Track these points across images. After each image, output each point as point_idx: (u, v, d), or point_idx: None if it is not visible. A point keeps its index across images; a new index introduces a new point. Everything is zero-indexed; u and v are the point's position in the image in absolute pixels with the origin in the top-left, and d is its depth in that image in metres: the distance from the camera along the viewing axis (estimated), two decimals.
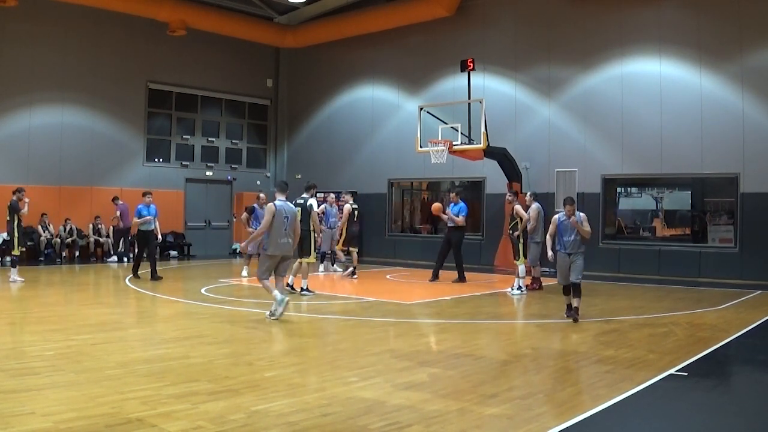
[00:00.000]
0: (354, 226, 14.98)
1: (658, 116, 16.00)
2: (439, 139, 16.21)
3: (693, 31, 15.64)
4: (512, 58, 18.38)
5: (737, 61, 15.08)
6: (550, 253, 9.85)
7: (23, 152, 18.43)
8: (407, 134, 19.02)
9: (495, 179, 17.80)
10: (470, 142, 16.13)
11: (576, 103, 17.30)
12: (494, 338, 8.41)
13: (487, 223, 18.69)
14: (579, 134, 17.20)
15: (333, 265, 16.58)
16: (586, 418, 4.84)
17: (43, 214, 18.14)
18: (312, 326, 9.30)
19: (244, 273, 14.91)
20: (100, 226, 18.75)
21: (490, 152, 16.35)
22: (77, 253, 18.49)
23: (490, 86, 18.40)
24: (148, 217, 13.58)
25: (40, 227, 18.17)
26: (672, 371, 6.28)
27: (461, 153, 16.45)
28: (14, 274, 13.29)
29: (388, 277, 15.79)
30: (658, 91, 16.02)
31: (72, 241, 18.55)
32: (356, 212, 15.06)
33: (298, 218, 9.25)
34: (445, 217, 14.20)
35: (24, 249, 14.72)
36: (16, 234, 13.31)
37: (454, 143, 16.04)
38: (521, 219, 12.49)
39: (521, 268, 12.34)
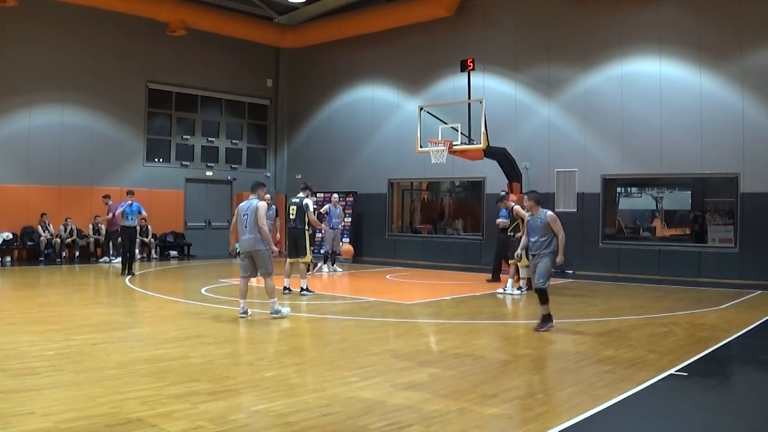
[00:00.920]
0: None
1: (658, 116, 16.00)
2: (439, 139, 16.21)
3: (693, 31, 15.64)
4: (512, 58, 18.38)
5: (737, 61, 15.08)
6: (518, 252, 9.88)
7: (23, 152, 18.43)
8: (407, 134, 19.02)
9: (495, 179, 17.79)
10: (470, 142, 16.13)
11: (576, 103, 17.30)
12: (494, 338, 8.41)
13: (487, 223, 18.68)
14: (579, 134, 17.20)
15: (333, 265, 16.58)
16: (586, 418, 4.84)
17: (43, 214, 18.16)
18: (312, 326, 9.30)
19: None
20: (100, 226, 18.75)
21: (490, 152, 16.34)
22: (77, 253, 18.49)
23: (490, 86, 18.40)
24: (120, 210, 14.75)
25: (40, 227, 18.18)
26: (672, 371, 6.28)
27: (461, 153, 16.44)
28: None
29: (388, 277, 15.79)
30: (658, 91, 16.02)
31: (72, 241, 18.55)
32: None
33: (260, 213, 9.14)
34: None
35: None
36: None
37: (454, 143, 16.04)
38: (522, 220, 12.46)
39: (519, 268, 12.27)
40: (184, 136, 22.10)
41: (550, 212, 8.63)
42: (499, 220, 13.69)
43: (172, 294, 12.03)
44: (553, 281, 14.71)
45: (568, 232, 17.23)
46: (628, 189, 17.98)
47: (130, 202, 14.80)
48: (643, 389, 5.67)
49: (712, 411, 5.31)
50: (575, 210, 17.06)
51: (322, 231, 16.49)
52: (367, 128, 21.60)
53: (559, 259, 8.46)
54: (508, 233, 12.79)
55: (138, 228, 15.69)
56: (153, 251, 20.10)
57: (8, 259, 17.53)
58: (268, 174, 24.17)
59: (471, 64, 16.52)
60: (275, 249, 9.33)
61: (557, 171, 17.37)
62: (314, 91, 23.24)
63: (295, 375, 6.15)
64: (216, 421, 4.62)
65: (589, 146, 17.03)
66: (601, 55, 16.91)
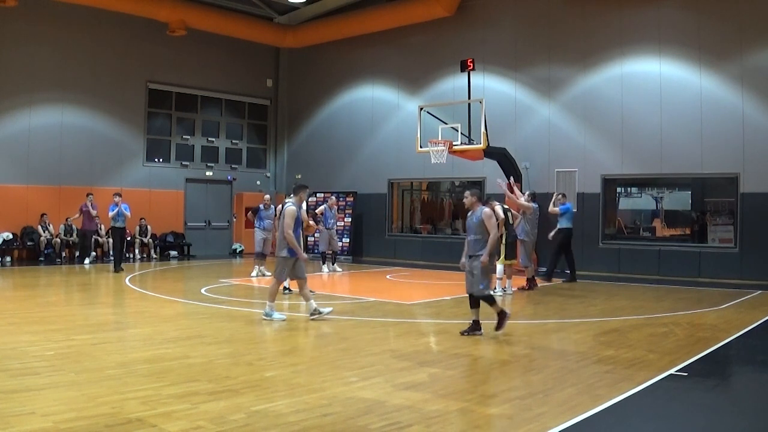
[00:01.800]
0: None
1: (658, 116, 16.00)
2: (439, 139, 16.21)
3: (693, 31, 15.64)
4: (512, 58, 18.38)
5: (737, 61, 15.08)
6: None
7: (23, 152, 18.43)
8: (407, 134, 19.02)
9: (495, 179, 17.76)
10: (470, 142, 16.13)
11: (576, 103, 17.30)
12: (494, 338, 8.41)
13: None
14: (579, 134, 17.20)
15: (333, 264, 16.58)
16: (586, 418, 4.84)
17: (43, 214, 18.16)
18: (312, 326, 9.30)
19: (254, 274, 14.88)
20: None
21: (490, 152, 16.34)
22: (77, 253, 18.48)
23: (490, 86, 18.40)
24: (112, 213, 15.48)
25: (40, 227, 18.18)
26: (672, 371, 6.28)
27: (461, 153, 16.44)
28: None
29: (388, 277, 15.79)
30: (658, 91, 16.02)
31: (72, 241, 18.54)
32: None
33: (286, 221, 9.04)
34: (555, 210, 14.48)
35: None
36: None
37: (454, 143, 16.04)
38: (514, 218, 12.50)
39: (499, 268, 12.17)
40: (184, 136, 22.10)
41: (486, 209, 8.28)
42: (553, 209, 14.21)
43: (172, 294, 12.03)
44: (553, 281, 14.80)
45: None
46: (628, 189, 17.98)
47: (118, 200, 15.69)
48: (643, 389, 5.67)
49: (712, 411, 5.31)
50: (575, 210, 17.04)
51: (318, 232, 16.50)
52: (367, 128, 21.60)
53: (484, 258, 8.04)
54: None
55: (126, 228, 16.47)
56: (153, 251, 20.11)
57: (8, 259, 17.53)
58: (268, 174, 24.19)
59: (471, 64, 16.52)
60: (304, 256, 9.11)
61: (557, 171, 17.37)
62: (314, 91, 23.24)
63: (295, 375, 6.15)
64: (216, 421, 4.62)
65: (589, 146, 17.03)
66: (601, 55, 16.91)
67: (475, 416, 4.90)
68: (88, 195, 17.60)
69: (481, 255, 8.02)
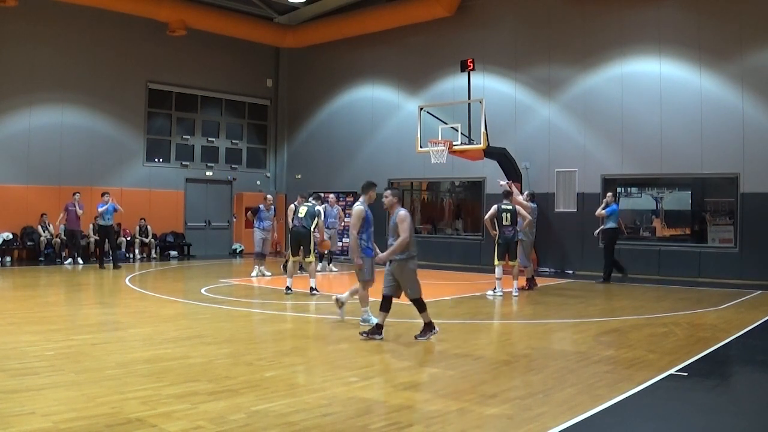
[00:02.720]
0: None
1: (658, 116, 16.00)
2: (439, 139, 16.21)
3: (693, 31, 15.63)
4: (512, 58, 18.38)
5: (737, 61, 15.07)
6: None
7: (23, 152, 18.43)
8: (407, 134, 19.02)
9: (495, 179, 17.77)
10: (470, 142, 16.13)
11: (576, 103, 17.30)
12: (494, 338, 8.42)
13: None
14: (579, 134, 17.20)
15: (329, 264, 16.58)
16: (586, 418, 4.84)
17: (42, 214, 18.16)
18: (312, 326, 9.30)
19: (254, 274, 14.88)
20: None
21: (490, 152, 16.34)
22: (76, 253, 18.47)
23: (490, 86, 18.40)
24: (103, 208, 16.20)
25: (40, 227, 18.18)
26: (672, 371, 6.28)
27: (461, 153, 16.44)
28: None
29: None
30: (658, 91, 16.02)
31: (72, 242, 18.51)
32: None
33: (352, 221, 8.88)
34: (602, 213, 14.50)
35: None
36: None
37: (454, 143, 16.04)
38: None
39: (498, 270, 12.20)
40: (184, 136, 22.10)
41: (402, 211, 7.90)
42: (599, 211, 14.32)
43: (172, 294, 12.03)
44: (553, 281, 14.81)
45: (568, 232, 17.39)
46: (628, 189, 17.96)
47: (107, 199, 16.29)
48: (643, 389, 5.67)
49: (712, 411, 5.31)
50: (575, 210, 17.07)
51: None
52: (367, 128, 21.60)
53: (382, 256, 7.78)
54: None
55: (114, 226, 17.07)
56: (153, 251, 20.11)
57: (8, 259, 17.54)
58: (268, 174, 24.18)
59: (471, 64, 16.51)
60: (359, 262, 8.99)
61: (557, 171, 17.37)
62: (314, 91, 23.23)
63: (295, 375, 6.15)
64: (216, 421, 4.62)
65: (589, 146, 17.03)
66: (601, 55, 16.91)
67: (474, 416, 4.90)
68: (74, 194, 17.45)
69: (401, 258, 7.74)
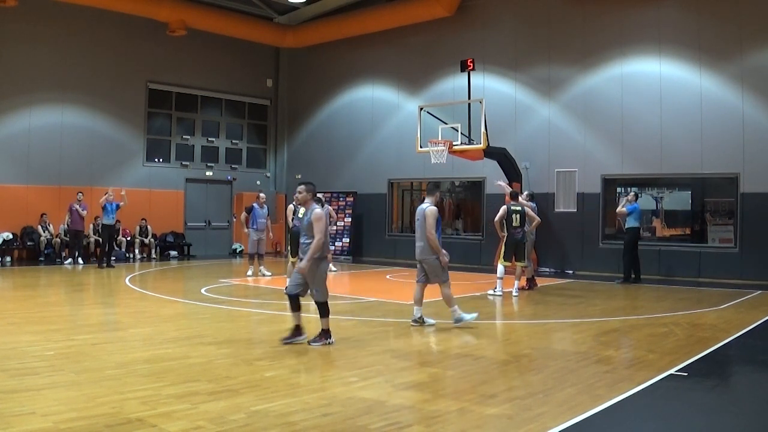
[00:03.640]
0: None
1: (658, 116, 16.00)
2: (439, 139, 16.20)
3: (693, 31, 15.63)
4: (512, 58, 18.38)
5: (737, 61, 15.07)
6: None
7: (23, 152, 18.43)
8: (407, 134, 19.02)
9: (495, 179, 17.78)
10: (470, 142, 16.13)
11: (576, 103, 17.30)
12: (494, 338, 8.42)
13: (487, 224, 18.67)
14: (579, 134, 17.20)
15: (329, 264, 16.53)
16: (586, 418, 4.84)
17: (42, 214, 18.16)
18: (312, 326, 9.30)
19: (249, 273, 14.88)
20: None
21: (490, 152, 16.34)
22: (77, 253, 18.48)
23: (490, 86, 18.40)
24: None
25: (40, 227, 18.18)
26: (672, 371, 6.28)
27: (461, 153, 16.44)
28: None
29: (388, 277, 15.79)
30: (658, 91, 16.02)
31: (73, 241, 18.51)
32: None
33: (427, 221, 8.65)
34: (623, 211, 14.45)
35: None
36: None
37: (454, 143, 16.04)
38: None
39: (500, 269, 12.23)
40: (184, 136, 22.10)
41: (318, 209, 7.36)
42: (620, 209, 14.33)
43: (172, 294, 12.03)
44: (553, 281, 14.80)
45: (568, 232, 17.38)
46: (628, 189, 17.94)
47: (111, 199, 16.58)
48: (643, 389, 5.67)
49: (712, 411, 5.31)
50: (575, 210, 17.07)
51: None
52: (367, 128, 21.60)
53: (302, 265, 7.22)
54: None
55: (116, 225, 17.37)
56: (153, 251, 20.11)
57: (8, 259, 17.54)
58: (268, 174, 24.18)
59: (471, 64, 16.51)
60: (445, 259, 8.90)
61: (557, 171, 17.37)
62: (314, 91, 23.24)
63: (295, 375, 6.15)
64: (216, 421, 4.62)
65: (589, 146, 17.03)
66: (601, 55, 16.91)
67: (475, 416, 4.90)
68: (78, 194, 17.44)
69: (313, 259, 7.28)
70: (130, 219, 19.29)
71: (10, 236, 17.74)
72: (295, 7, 22.21)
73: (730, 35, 15.16)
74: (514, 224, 12.16)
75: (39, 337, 7.57)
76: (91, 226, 18.74)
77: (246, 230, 15.02)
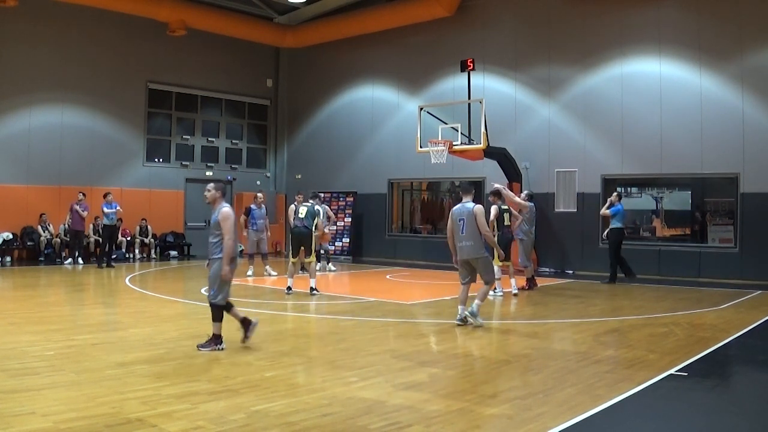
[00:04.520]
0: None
1: (658, 116, 16.00)
2: (439, 139, 16.21)
3: (693, 31, 15.63)
4: (512, 58, 18.38)
5: (737, 61, 15.07)
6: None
7: (23, 152, 18.43)
8: (407, 134, 19.02)
9: (495, 179, 17.75)
10: (470, 142, 16.13)
11: (576, 103, 17.30)
12: (494, 338, 8.41)
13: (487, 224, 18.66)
14: (579, 134, 17.20)
15: (329, 264, 16.56)
16: (586, 418, 4.84)
17: (42, 214, 18.16)
18: (312, 326, 9.31)
19: (249, 273, 14.87)
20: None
21: (490, 152, 16.34)
22: (77, 253, 18.47)
23: (490, 86, 18.40)
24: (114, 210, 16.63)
25: (40, 227, 18.17)
26: (672, 371, 6.28)
27: (461, 153, 16.44)
28: None
29: (388, 277, 15.79)
30: (658, 91, 16.02)
31: (75, 241, 18.51)
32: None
33: (479, 220, 8.62)
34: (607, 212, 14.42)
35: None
36: None
37: (454, 143, 16.04)
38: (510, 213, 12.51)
39: (496, 269, 12.18)
40: (184, 136, 22.10)
41: (226, 208, 7.27)
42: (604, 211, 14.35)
43: (172, 294, 12.03)
44: (553, 281, 14.80)
45: (568, 232, 17.39)
46: (628, 189, 17.96)
47: (110, 199, 16.62)
48: (643, 389, 5.67)
49: (712, 411, 5.31)
50: (575, 210, 17.07)
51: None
52: (367, 128, 21.60)
53: (224, 269, 7.11)
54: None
55: (117, 226, 17.34)
56: (153, 251, 20.11)
57: (8, 259, 17.53)
58: (268, 174, 24.18)
59: (471, 64, 16.51)
60: (503, 254, 8.81)
61: (557, 171, 17.37)
62: (314, 91, 23.24)
63: (295, 375, 6.15)
64: (216, 421, 4.62)
65: (589, 146, 17.03)
66: (601, 55, 16.91)
67: (475, 416, 4.90)
68: (79, 194, 17.41)
69: (215, 257, 7.15)
70: (130, 219, 19.29)
71: (10, 236, 17.75)
72: (295, 7, 22.20)
73: (730, 35, 15.16)
74: (505, 223, 12.16)
75: (39, 337, 7.57)
76: (91, 226, 18.74)
77: (244, 232, 15.01)
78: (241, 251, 21.71)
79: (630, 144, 16.40)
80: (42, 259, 17.92)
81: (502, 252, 8.64)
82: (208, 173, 22.44)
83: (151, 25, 20.12)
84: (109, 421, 4.58)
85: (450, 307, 10.72)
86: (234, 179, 22.99)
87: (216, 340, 7.09)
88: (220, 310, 7.14)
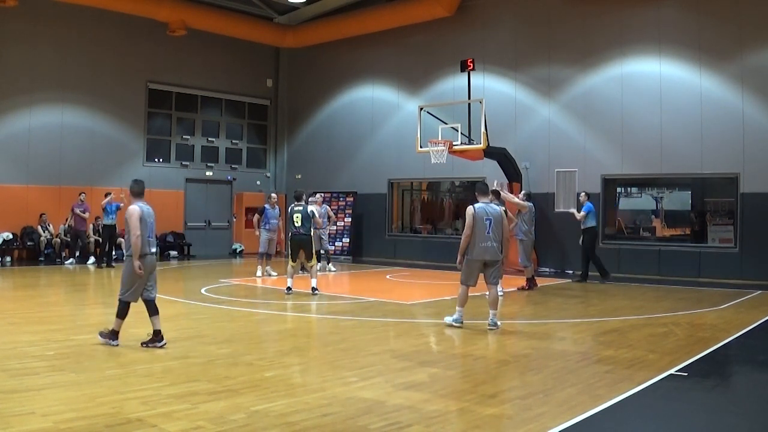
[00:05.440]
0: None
1: (658, 116, 16.00)
2: (439, 139, 16.21)
3: (693, 31, 15.63)
4: (512, 58, 18.38)
5: (737, 61, 15.07)
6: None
7: (23, 152, 18.43)
8: (407, 134, 19.02)
9: (495, 179, 17.76)
10: (470, 142, 16.13)
11: (576, 103, 17.30)
12: (494, 338, 8.41)
13: None
14: (579, 134, 17.20)
15: (329, 264, 16.54)
16: (586, 418, 4.84)
17: (42, 214, 18.15)
18: (312, 326, 9.31)
19: (258, 273, 14.81)
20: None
21: (490, 152, 16.34)
22: (77, 253, 18.47)
23: (490, 86, 18.40)
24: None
25: (40, 227, 18.17)
26: (672, 371, 6.28)
27: (461, 153, 16.44)
28: None
29: (388, 277, 15.79)
30: (658, 91, 16.02)
31: (75, 241, 18.49)
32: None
33: (505, 221, 8.53)
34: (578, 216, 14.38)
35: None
36: None
37: (454, 143, 16.04)
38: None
39: None
40: (184, 136, 22.10)
41: (132, 206, 7.14)
42: (579, 215, 14.24)
43: (172, 294, 12.02)
44: (553, 281, 14.79)
45: (568, 232, 17.40)
46: (628, 189, 17.97)
47: (110, 199, 16.45)
48: (643, 389, 5.67)
49: (712, 411, 5.31)
50: (575, 210, 17.04)
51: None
52: (367, 128, 21.60)
53: (134, 265, 6.94)
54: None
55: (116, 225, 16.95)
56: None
57: (8, 259, 17.53)
58: (268, 174, 24.18)
59: (471, 64, 16.51)
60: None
61: (557, 171, 17.37)
62: (314, 91, 23.24)
63: (295, 375, 6.15)
64: (216, 421, 4.63)
65: (589, 146, 17.03)
66: (601, 55, 16.90)
67: (475, 416, 4.90)
68: (80, 194, 17.45)
69: (127, 254, 7.15)
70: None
71: (10, 236, 17.74)
72: (295, 7, 22.21)
73: (730, 35, 15.16)
74: None
75: (39, 337, 7.57)
76: (92, 226, 18.73)
77: (257, 231, 14.97)
78: (241, 251, 21.82)
79: (630, 144, 16.40)
80: (42, 259, 17.92)
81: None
82: (208, 173, 22.46)
83: (151, 25, 20.12)
84: (109, 421, 4.58)
85: (450, 307, 10.70)
86: (234, 179, 23.00)
87: (112, 335, 7.14)
88: (124, 306, 7.14)
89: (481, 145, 15.77)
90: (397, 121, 20.70)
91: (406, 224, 21.74)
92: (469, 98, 16.49)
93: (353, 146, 21.91)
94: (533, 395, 5.48)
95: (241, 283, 13.85)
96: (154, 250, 7.27)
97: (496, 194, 12.32)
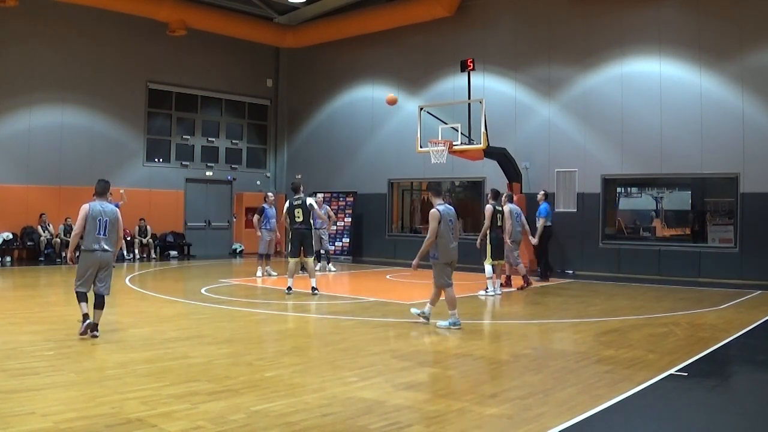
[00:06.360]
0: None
1: (658, 116, 16.00)
2: (439, 139, 16.21)
3: (693, 31, 15.63)
4: (512, 58, 18.38)
5: (737, 61, 15.07)
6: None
7: (23, 152, 18.43)
8: (407, 134, 19.02)
9: (495, 179, 17.79)
10: (470, 142, 16.13)
11: (576, 103, 17.29)
12: (494, 338, 8.42)
13: None
14: (579, 134, 17.20)
15: (329, 264, 16.53)
16: (586, 418, 4.84)
17: (42, 214, 18.15)
18: (312, 326, 9.31)
19: (259, 273, 14.80)
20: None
21: (490, 152, 16.34)
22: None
23: (490, 86, 18.40)
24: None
25: (39, 227, 18.18)
26: (672, 371, 6.28)
27: (461, 153, 16.44)
28: None
29: (388, 277, 15.79)
30: (658, 91, 16.02)
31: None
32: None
33: (507, 224, 8.90)
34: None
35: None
36: None
37: (454, 143, 16.04)
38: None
39: (488, 269, 12.27)
40: (184, 136, 22.10)
41: (85, 205, 7.93)
42: (539, 222, 14.34)
43: (172, 294, 12.03)
44: (553, 281, 14.79)
45: (568, 231, 17.41)
46: (628, 189, 17.97)
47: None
48: (643, 389, 5.67)
49: (712, 411, 5.31)
50: (575, 210, 17.06)
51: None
52: (367, 128, 21.60)
53: (68, 257, 7.58)
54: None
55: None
56: (153, 251, 20.11)
57: (8, 259, 17.53)
58: (268, 174, 24.18)
59: (471, 64, 16.50)
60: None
61: (557, 171, 17.36)
62: (314, 91, 23.24)
63: (295, 375, 6.15)
64: (216, 421, 4.62)
65: (589, 146, 17.03)
66: (601, 55, 16.90)
67: (474, 416, 4.90)
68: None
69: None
70: (129, 219, 19.27)
71: (10, 236, 17.75)
72: (295, 7, 22.21)
73: (730, 35, 15.16)
74: (498, 224, 12.25)
75: (39, 337, 7.57)
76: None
77: (259, 232, 14.95)
78: (241, 251, 21.82)
79: (630, 144, 16.40)
80: (42, 259, 17.92)
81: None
82: (208, 173, 22.46)
83: (151, 25, 20.12)
84: (109, 421, 4.58)
85: None
86: (234, 179, 23.00)
87: (83, 318, 7.58)
88: (78, 295, 7.71)
89: (481, 145, 15.77)
90: (397, 121, 20.69)
91: (406, 224, 21.74)
92: (469, 98, 16.49)
93: (353, 146, 21.91)
94: (533, 395, 5.48)
95: (241, 283, 13.85)
96: (107, 247, 7.75)
97: (497, 195, 12.48)
